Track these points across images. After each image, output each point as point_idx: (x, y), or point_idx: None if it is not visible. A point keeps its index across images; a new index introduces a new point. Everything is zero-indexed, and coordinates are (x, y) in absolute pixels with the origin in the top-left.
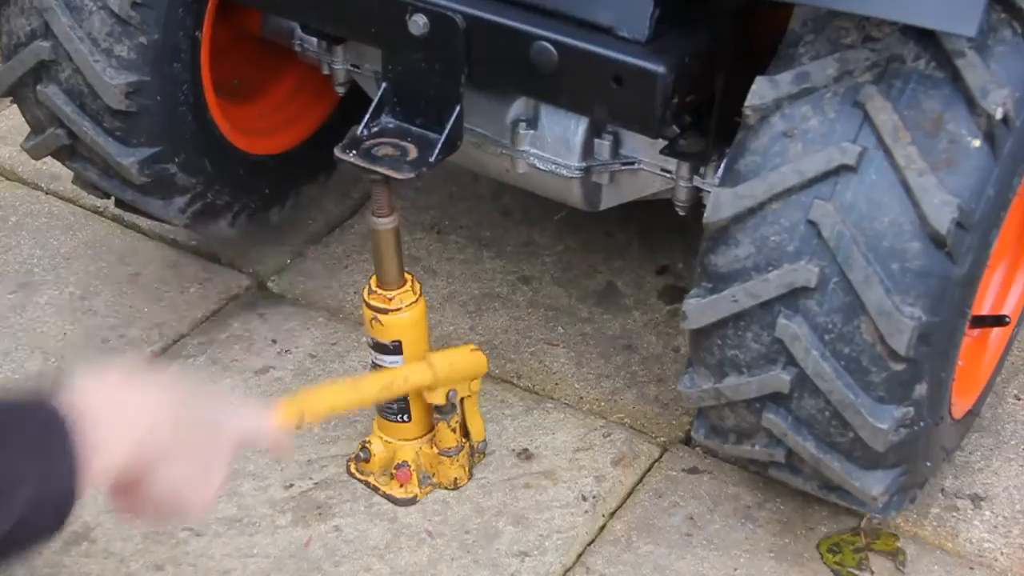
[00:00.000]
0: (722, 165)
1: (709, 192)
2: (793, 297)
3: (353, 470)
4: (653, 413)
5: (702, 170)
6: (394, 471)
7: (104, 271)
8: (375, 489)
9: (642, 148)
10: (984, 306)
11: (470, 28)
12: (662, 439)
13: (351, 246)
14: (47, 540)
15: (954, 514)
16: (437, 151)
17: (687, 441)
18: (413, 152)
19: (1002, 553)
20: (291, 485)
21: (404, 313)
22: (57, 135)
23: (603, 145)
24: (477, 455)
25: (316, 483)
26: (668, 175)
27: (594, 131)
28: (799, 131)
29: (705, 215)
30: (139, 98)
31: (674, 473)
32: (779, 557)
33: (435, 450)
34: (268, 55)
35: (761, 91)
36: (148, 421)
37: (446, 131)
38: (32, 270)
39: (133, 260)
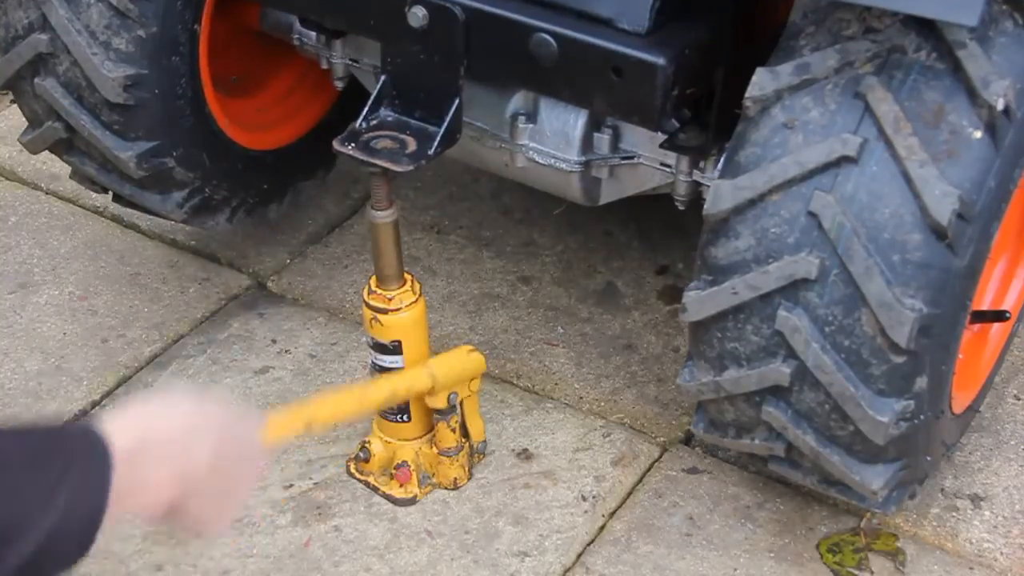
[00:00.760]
0: (722, 158)
1: (709, 186)
2: (793, 289)
3: (353, 470)
4: (653, 413)
5: (702, 164)
6: (394, 471)
7: (104, 271)
8: (375, 489)
9: (642, 142)
10: (984, 301)
11: (469, 20)
12: (662, 439)
13: (351, 246)
14: (69, 567)
15: (954, 514)
16: (436, 144)
17: (687, 441)
18: (412, 145)
19: (1002, 553)
20: (291, 485)
21: (404, 313)
22: (55, 128)
23: (602, 139)
24: (477, 455)
25: (316, 483)
26: (668, 169)
27: (593, 125)
28: (800, 122)
29: (705, 207)
30: (137, 91)
31: (674, 473)
32: (779, 557)
33: (435, 450)
34: (267, 50)
35: (762, 82)
36: (182, 461)
37: (445, 124)
38: (32, 270)
39: (133, 260)
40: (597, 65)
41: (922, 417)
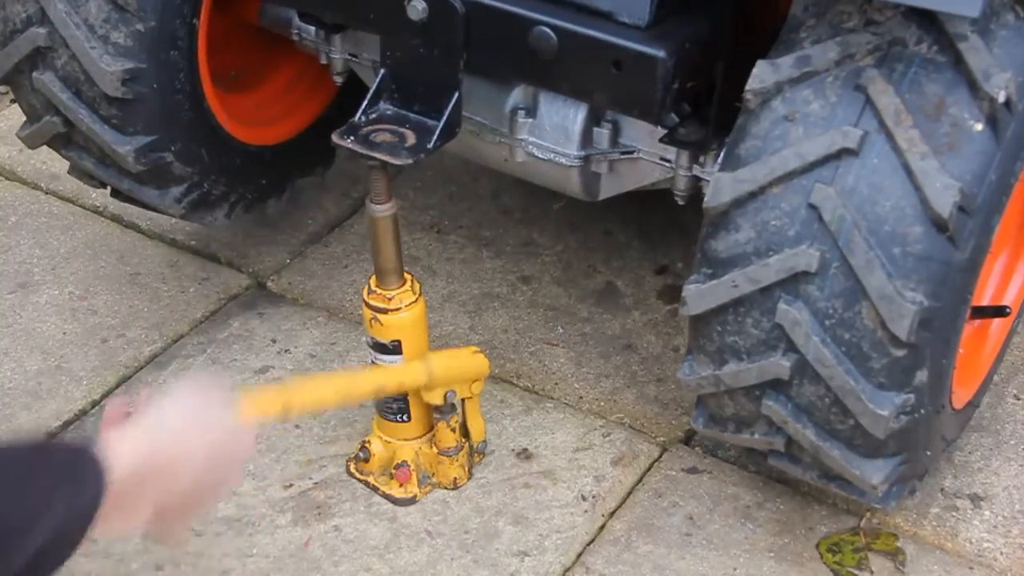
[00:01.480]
0: (722, 152)
1: (708, 181)
2: (794, 282)
3: (353, 470)
4: (653, 413)
5: (702, 159)
6: (394, 471)
7: (103, 271)
8: (375, 489)
9: (641, 137)
10: (985, 297)
11: (469, 13)
12: (662, 439)
13: (351, 246)
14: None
15: (954, 514)
16: (435, 137)
17: (687, 441)
18: (411, 138)
19: (1002, 553)
20: (291, 485)
21: (404, 313)
22: (53, 123)
23: (602, 134)
24: (477, 455)
25: (316, 483)
26: (667, 164)
27: (593, 119)
28: (800, 115)
29: (705, 199)
30: (135, 85)
31: (673, 473)
32: (779, 557)
33: (435, 450)
34: (266, 45)
35: (762, 75)
36: (168, 487)
37: (444, 117)
38: (31, 270)
39: (132, 260)
40: (597, 58)
41: (922, 411)
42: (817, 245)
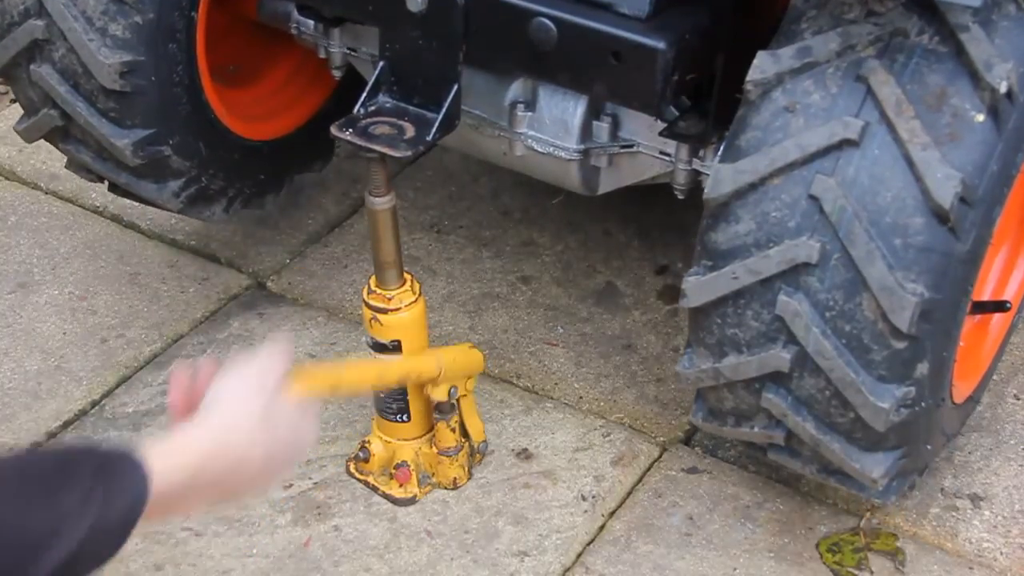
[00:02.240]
0: (722, 144)
1: (708, 175)
2: (794, 273)
3: (352, 470)
4: (652, 413)
5: (701, 152)
6: (393, 471)
7: (103, 271)
8: (374, 489)
9: (641, 130)
10: (985, 291)
11: (469, 4)
12: (661, 439)
13: (350, 246)
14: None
15: (953, 514)
16: (434, 130)
17: (687, 441)
18: (410, 131)
19: (1001, 553)
20: (290, 485)
21: (403, 313)
22: (50, 116)
23: (602, 127)
24: (476, 455)
25: (315, 483)
26: (667, 158)
27: (593, 113)
28: (801, 106)
29: (705, 191)
30: (133, 78)
31: (673, 473)
32: (778, 557)
33: (435, 450)
34: (264, 39)
35: (763, 65)
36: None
37: (443, 110)
38: (31, 270)
39: (132, 260)
40: (597, 50)
41: (923, 404)
42: (818, 236)
